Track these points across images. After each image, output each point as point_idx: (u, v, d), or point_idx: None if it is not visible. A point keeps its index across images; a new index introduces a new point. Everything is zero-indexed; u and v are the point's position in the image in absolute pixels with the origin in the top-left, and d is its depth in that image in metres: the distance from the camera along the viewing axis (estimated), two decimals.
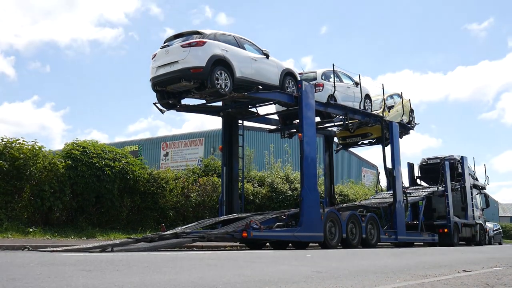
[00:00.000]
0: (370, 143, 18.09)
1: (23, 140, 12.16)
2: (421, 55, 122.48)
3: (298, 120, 13.17)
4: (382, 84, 16.34)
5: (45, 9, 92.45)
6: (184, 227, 11.70)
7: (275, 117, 14.95)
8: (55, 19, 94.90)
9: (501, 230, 32.44)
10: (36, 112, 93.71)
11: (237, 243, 12.22)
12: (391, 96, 17.55)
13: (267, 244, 12.57)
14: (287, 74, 12.38)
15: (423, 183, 21.58)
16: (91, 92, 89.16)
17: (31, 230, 11.05)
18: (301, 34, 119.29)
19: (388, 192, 18.29)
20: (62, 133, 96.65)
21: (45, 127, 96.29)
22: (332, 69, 13.90)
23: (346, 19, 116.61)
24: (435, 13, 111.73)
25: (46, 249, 8.10)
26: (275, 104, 13.36)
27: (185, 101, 12.29)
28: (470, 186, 21.00)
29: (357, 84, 14.96)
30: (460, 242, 19.72)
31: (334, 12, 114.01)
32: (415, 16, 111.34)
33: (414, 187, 20.47)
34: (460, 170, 20.62)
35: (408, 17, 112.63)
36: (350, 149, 23.20)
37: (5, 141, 11.86)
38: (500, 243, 28.94)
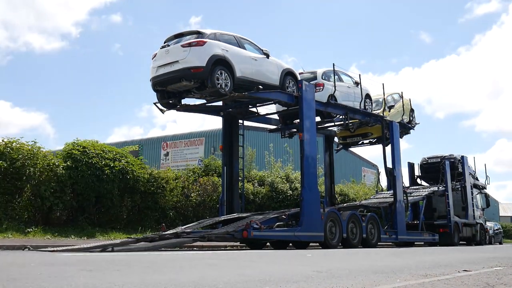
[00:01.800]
0: (371, 143, 18.07)
1: (23, 140, 12.20)
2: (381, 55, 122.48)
3: (298, 120, 13.16)
4: (383, 84, 16.35)
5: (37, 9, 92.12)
6: (184, 227, 11.69)
7: (275, 117, 14.94)
8: (37, 25, 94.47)
9: (502, 230, 32.44)
10: (23, 116, 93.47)
11: (238, 243, 12.22)
12: (392, 96, 17.53)
13: (268, 244, 12.57)
14: (288, 73, 12.38)
15: (424, 183, 21.57)
16: (77, 97, 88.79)
17: (31, 230, 11.05)
18: (263, 32, 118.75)
19: (388, 192, 18.29)
20: (51, 137, 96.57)
21: (33, 130, 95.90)
22: (332, 68, 13.90)
23: (310, 18, 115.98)
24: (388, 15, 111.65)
25: (46, 249, 8.10)
26: (275, 104, 13.34)
27: (186, 101, 12.30)
28: (471, 186, 21.00)
29: (357, 83, 14.95)
30: (460, 242, 19.71)
31: (296, 14, 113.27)
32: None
33: (415, 187, 20.46)
34: (460, 170, 20.62)
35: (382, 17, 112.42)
36: (351, 148, 23.19)
37: (5, 141, 11.87)
38: (500, 243, 28.93)
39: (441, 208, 19.57)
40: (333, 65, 13.87)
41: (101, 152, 13.51)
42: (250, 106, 13.45)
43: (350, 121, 14.57)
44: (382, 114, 16.08)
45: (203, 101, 12.49)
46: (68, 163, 12.71)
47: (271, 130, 16.28)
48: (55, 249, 7.97)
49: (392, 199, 15.67)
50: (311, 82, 12.96)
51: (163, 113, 12.29)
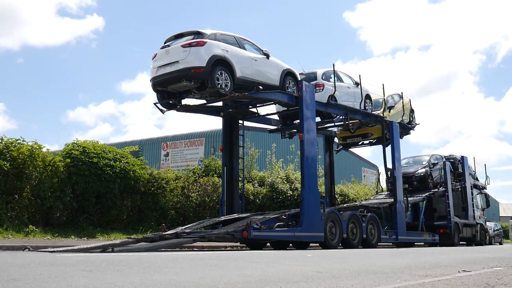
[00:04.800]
0: (371, 143, 18.07)
1: (23, 140, 12.18)
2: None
3: (298, 120, 13.17)
4: (383, 84, 16.36)
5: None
6: (184, 227, 11.70)
7: (276, 117, 14.94)
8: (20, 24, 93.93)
9: (502, 230, 32.46)
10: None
11: (238, 243, 12.22)
12: (392, 96, 17.54)
13: (268, 244, 12.57)
14: (288, 74, 12.38)
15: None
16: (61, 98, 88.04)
17: (31, 230, 11.05)
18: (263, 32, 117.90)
19: (388, 192, 18.27)
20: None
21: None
22: (332, 69, 13.90)
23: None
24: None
25: (46, 250, 8.09)
26: (275, 104, 13.35)
27: (186, 101, 12.29)
28: (471, 186, 21.00)
29: (357, 84, 14.96)
30: (460, 242, 19.71)
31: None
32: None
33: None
34: (460, 170, 20.62)
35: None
36: (351, 149, 23.18)
37: (5, 141, 11.87)
38: (500, 243, 28.94)
39: (441, 208, 19.55)
40: (333, 65, 13.88)
41: (101, 152, 13.51)
42: (250, 107, 13.44)
43: (350, 122, 14.57)
44: (382, 115, 16.08)
45: (203, 101, 12.50)
46: (68, 161, 12.70)
47: (271, 131, 16.29)
48: (55, 249, 7.97)
49: (392, 200, 15.68)
50: (311, 83, 12.96)
51: (163, 113, 12.30)
